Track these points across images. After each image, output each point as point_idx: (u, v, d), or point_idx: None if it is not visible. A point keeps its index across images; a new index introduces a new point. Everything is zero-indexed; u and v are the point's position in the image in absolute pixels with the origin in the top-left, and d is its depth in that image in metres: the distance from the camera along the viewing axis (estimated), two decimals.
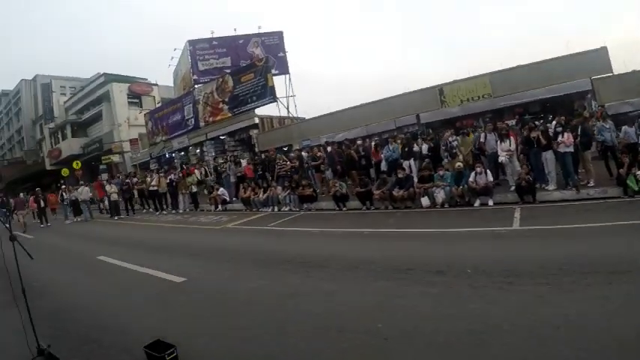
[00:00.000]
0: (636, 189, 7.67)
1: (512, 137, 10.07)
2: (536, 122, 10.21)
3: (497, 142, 10.19)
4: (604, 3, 75.68)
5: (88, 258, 9.20)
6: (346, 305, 4.22)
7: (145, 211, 18.66)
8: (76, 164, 29.59)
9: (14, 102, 54.43)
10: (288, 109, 26.08)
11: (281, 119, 24.59)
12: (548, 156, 9.16)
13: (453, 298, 4.01)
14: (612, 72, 12.89)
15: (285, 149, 19.55)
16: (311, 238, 8.50)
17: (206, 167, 19.21)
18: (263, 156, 17.15)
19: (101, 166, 32.81)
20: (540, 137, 9.21)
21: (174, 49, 31.76)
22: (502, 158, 9.93)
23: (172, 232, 11.98)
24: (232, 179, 16.84)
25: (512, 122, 12.92)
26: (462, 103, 14.53)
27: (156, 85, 39.35)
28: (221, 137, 24.94)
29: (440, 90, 15.11)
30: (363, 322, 3.71)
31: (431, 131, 13.91)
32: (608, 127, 9.79)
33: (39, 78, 47.57)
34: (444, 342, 3.16)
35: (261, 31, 29.67)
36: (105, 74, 39.01)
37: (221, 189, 15.67)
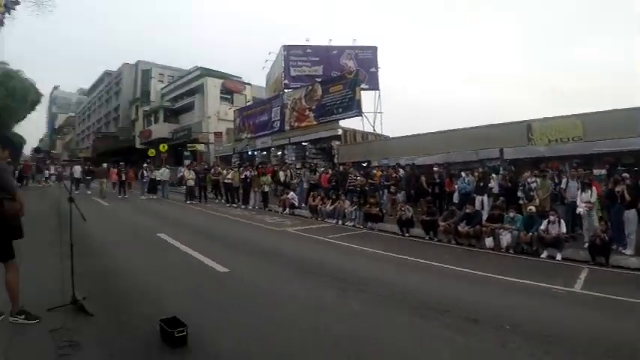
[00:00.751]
0: None
1: (594, 188, 9.47)
2: (625, 175, 9.39)
3: (578, 190, 9.64)
4: None
5: (149, 233, 10.12)
6: (367, 332, 4.25)
7: (217, 201, 19.73)
8: (163, 147, 31.81)
9: (115, 82, 59.71)
10: (374, 125, 26.28)
11: (364, 134, 24.58)
12: (630, 215, 8.47)
13: (477, 353, 3.89)
14: None
15: (364, 164, 19.58)
16: (361, 257, 8.56)
17: (291, 170, 19.71)
18: (341, 168, 17.39)
19: (185, 153, 34.77)
20: (625, 193, 8.55)
21: (269, 53, 33.14)
22: (580, 209, 9.38)
23: (234, 225, 12.53)
24: (305, 185, 17.30)
25: (601, 172, 12.09)
26: (549, 143, 13.79)
27: (249, 84, 41.04)
28: (303, 143, 25.40)
29: (528, 126, 14.44)
30: (376, 354, 3.75)
31: (513, 168, 13.30)
32: None
33: (140, 64, 51.83)
34: None
35: (356, 44, 30.05)
36: (201, 68, 41.56)
37: (291, 193, 16.15)
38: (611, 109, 12.73)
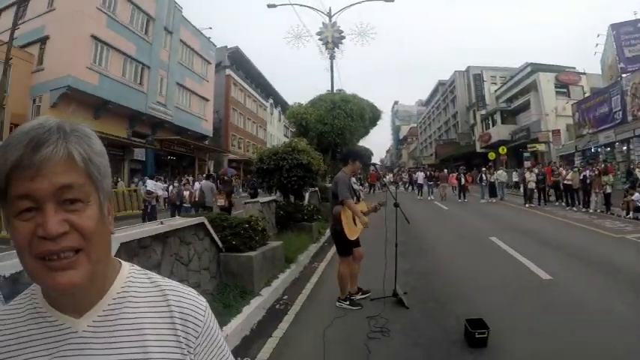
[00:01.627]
0: None
1: None
2: None
3: None
4: None
5: (481, 236, 10.59)
6: None
7: (557, 203, 18.72)
8: (502, 149, 32.05)
9: (450, 90, 62.90)
10: None
11: None
12: None
13: None
14: None
15: None
16: None
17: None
18: None
19: (525, 154, 33.82)
20: None
21: (598, 36, 29.26)
22: None
23: (569, 230, 11.78)
24: None
25: None
26: None
27: (584, 73, 36.70)
28: None
29: None
30: None
31: None
32: None
33: (471, 69, 53.34)
34: None
35: None
36: (531, 64, 39.71)
37: (636, 194, 13.91)
38: None
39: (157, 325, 0.78)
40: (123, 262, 0.85)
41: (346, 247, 5.33)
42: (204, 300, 0.86)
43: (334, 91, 22.49)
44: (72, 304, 0.75)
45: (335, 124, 20.02)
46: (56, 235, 0.66)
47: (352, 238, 5.26)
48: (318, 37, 23.52)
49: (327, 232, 11.34)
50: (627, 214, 13.73)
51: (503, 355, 3.78)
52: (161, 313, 0.80)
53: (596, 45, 30.18)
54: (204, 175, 17.85)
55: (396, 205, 5.54)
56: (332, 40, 22.86)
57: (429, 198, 23.55)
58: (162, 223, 4.95)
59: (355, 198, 5.46)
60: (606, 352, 3.79)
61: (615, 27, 25.91)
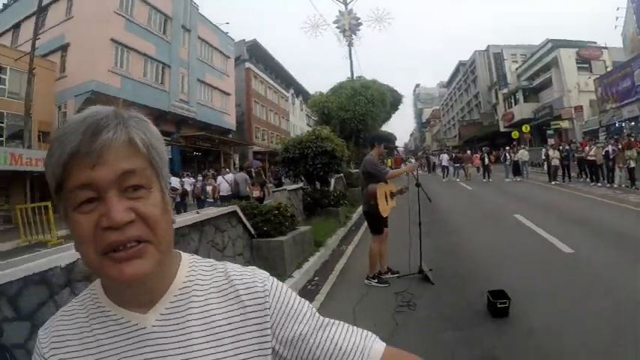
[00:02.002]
0: None
1: None
2: None
3: None
4: None
5: (506, 214, 10.73)
6: None
7: (581, 180, 18.58)
8: (525, 128, 31.69)
9: (470, 70, 62.02)
10: None
11: None
12: None
13: None
14: None
15: None
16: None
17: None
18: None
19: (548, 131, 33.34)
20: None
21: (617, 9, 28.45)
22: None
23: (593, 205, 11.75)
24: None
25: None
26: None
27: (605, 48, 35.67)
28: None
29: None
30: None
31: None
32: None
33: (491, 48, 52.42)
34: None
35: None
36: (552, 40, 38.78)
37: None
38: None
39: (226, 310, 0.74)
40: (181, 252, 0.81)
41: (378, 224, 5.57)
42: (266, 272, 0.81)
43: (354, 78, 22.53)
44: (137, 298, 0.72)
45: (356, 111, 20.13)
46: (122, 224, 0.63)
47: (385, 214, 5.49)
48: (336, 25, 23.55)
49: (354, 217, 11.56)
50: None
51: (525, 324, 3.95)
52: (228, 297, 0.76)
53: (616, 18, 29.57)
54: (237, 168, 18.17)
55: (418, 184, 5.77)
56: (349, 27, 22.86)
57: (455, 179, 23.53)
58: (198, 212, 5.27)
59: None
60: (622, 322, 3.85)
61: None
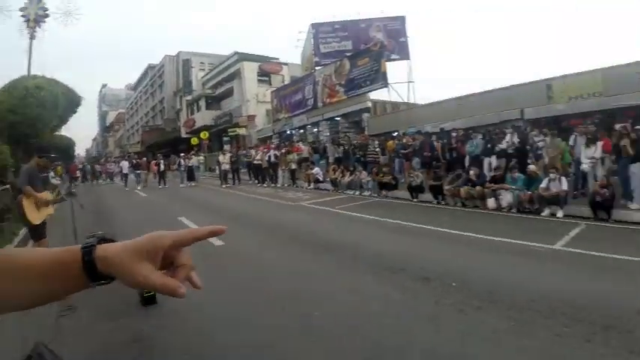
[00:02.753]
0: None
1: (599, 143, 9.21)
2: (628, 128, 9.02)
3: (582, 146, 9.42)
4: None
5: (170, 217, 10.84)
6: (317, 289, 4.82)
7: (250, 182, 20.43)
8: (204, 134, 33.09)
9: (159, 75, 60.47)
10: (403, 95, 26.07)
11: (395, 105, 24.42)
12: (635, 169, 8.21)
13: (406, 307, 4.15)
14: None
15: (394, 134, 19.41)
16: (357, 224, 8.90)
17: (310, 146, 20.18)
18: (355, 142, 17.60)
19: (224, 138, 35.74)
20: (628, 147, 8.29)
21: (299, 32, 33.34)
22: (584, 166, 9.20)
23: (255, 203, 13.12)
24: (331, 160, 17.69)
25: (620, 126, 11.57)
26: (569, 101, 13.31)
27: (286, 64, 41.11)
28: (336, 118, 25.69)
29: (548, 85, 14.01)
30: (316, 305, 4.25)
31: (527, 128, 12.89)
32: None
33: (181, 54, 52.15)
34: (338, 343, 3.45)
35: (383, 15, 29.59)
36: (239, 53, 41.89)
37: (316, 168, 16.63)
38: (632, 61, 12.14)
39: None
40: None
41: (34, 231, 5.62)
42: None
43: (30, 75, 18.88)
44: None
45: (26, 114, 16.86)
46: None
47: (36, 222, 5.47)
48: (21, 13, 19.67)
49: (23, 232, 9.88)
50: (309, 185, 16.21)
51: (170, 306, 4.30)
52: None
53: (298, 40, 34.09)
54: None
55: (71, 194, 6.31)
56: (34, 18, 19.38)
57: (137, 188, 22.27)
58: None
59: (44, 188, 5.79)
60: (255, 287, 4.97)
61: (315, 26, 29.84)
